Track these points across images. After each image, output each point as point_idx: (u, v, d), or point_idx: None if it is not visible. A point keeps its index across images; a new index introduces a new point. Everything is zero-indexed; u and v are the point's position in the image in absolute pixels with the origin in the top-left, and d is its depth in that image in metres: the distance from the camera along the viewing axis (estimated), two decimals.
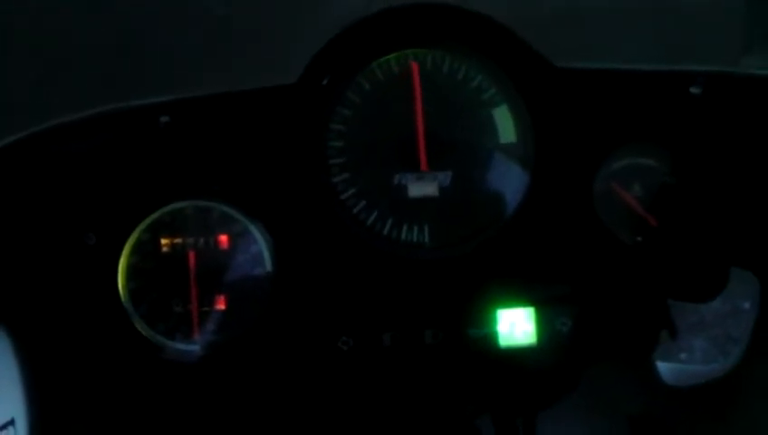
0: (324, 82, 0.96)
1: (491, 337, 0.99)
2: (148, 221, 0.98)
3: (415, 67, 0.96)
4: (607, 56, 1.02)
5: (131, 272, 0.98)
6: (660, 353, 1.15)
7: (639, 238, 1.00)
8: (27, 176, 0.97)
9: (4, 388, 0.96)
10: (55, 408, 1.00)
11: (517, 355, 1.00)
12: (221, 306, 0.99)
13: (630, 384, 1.30)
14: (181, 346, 0.99)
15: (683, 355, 2.47)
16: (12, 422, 0.94)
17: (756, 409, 1.13)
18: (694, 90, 0.96)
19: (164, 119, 0.96)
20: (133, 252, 0.98)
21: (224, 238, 0.99)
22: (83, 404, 1.04)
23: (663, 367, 1.27)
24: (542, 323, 1.00)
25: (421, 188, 0.98)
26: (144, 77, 0.99)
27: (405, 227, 0.99)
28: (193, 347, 0.99)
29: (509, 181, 0.99)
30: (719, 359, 2.48)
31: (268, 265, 0.99)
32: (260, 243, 0.99)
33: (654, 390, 1.25)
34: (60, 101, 0.97)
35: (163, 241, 0.98)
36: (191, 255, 0.98)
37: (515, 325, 1.00)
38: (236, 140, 0.98)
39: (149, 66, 0.99)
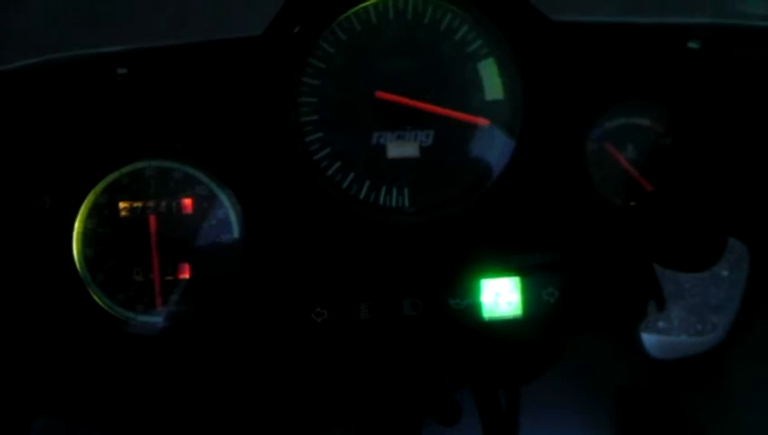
0: (296, 30, 0.89)
1: (474, 308, 0.95)
2: (104, 183, 0.92)
3: None
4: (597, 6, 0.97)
5: (88, 238, 0.93)
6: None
7: (633, 203, 0.97)
8: None
9: None
10: (9, 382, 0.97)
11: (502, 327, 0.96)
12: (185, 275, 0.94)
13: (615, 356, 1.29)
14: (142, 318, 0.94)
15: (660, 324, 2.50)
16: None
17: (743, 381, 1.12)
18: (692, 44, 0.93)
19: (121, 70, 0.90)
20: (89, 216, 0.93)
21: (187, 202, 0.94)
22: (40, 375, 1.00)
23: (649, 339, 1.27)
24: (529, 293, 0.96)
25: (401, 148, 0.94)
26: (99, 23, 0.92)
27: (383, 190, 0.94)
28: (155, 319, 0.94)
29: (495, 141, 0.94)
30: (697, 327, 2.52)
31: (236, 231, 0.94)
32: (227, 207, 0.94)
33: (639, 361, 1.24)
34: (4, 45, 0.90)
35: (121, 204, 0.93)
36: (152, 219, 0.93)
37: (500, 296, 0.95)
38: (201, 95, 0.92)
39: (105, 11, 0.93)
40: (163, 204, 0.93)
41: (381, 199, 0.94)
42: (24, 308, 0.95)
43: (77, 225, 0.92)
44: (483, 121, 0.93)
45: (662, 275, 1.03)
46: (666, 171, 0.96)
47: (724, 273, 2.42)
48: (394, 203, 0.94)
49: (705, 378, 1.17)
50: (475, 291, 0.95)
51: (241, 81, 0.90)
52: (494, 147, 0.94)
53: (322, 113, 0.92)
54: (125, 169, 0.92)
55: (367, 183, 0.94)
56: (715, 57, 0.93)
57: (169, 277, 0.94)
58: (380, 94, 0.91)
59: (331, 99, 0.92)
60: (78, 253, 0.92)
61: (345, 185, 0.94)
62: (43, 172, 0.91)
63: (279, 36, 0.89)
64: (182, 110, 0.92)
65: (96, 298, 0.93)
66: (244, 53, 0.90)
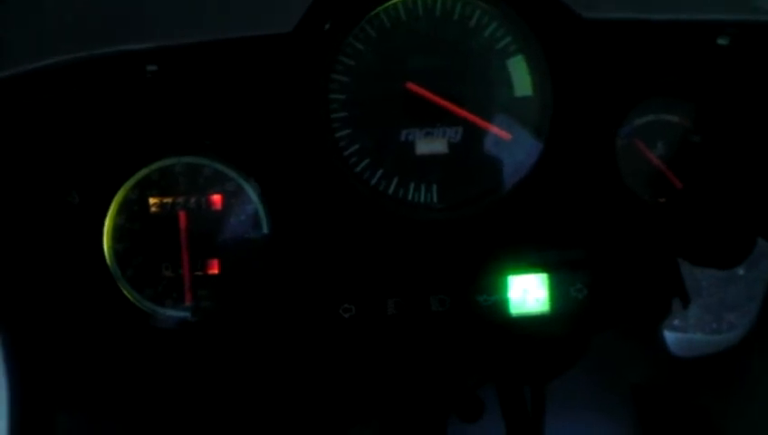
0: (326, 27, 0.90)
1: (501, 304, 0.95)
2: (135, 179, 0.93)
3: None
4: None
5: (118, 233, 0.94)
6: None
7: (662, 199, 0.97)
8: (2, 128, 0.91)
9: None
10: (39, 374, 0.97)
11: (529, 324, 0.96)
12: (214, 271, 0.95)
13: (636, 353, 1.30)
14: (171, 313, 0.95)
15: (676, 322, 2.50)
16: None
17: (763, 380, 1.11)
18: (721, 41, 0.92)
19: (151, 67, 0.90)
20: (119, 212, 0.94)
21: (217, 198, 0.94)
22: (68, 370, 1.01)
23: (671, 337, 1.26)
24: (557, 289, 0.96)
25: (429, 144, 0.94)
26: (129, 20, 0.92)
27: (412, 187, 0.95)
28: (183, 314, 0.95)
29: (524, 138, 0.94)
30: (713, 325, 2.52)
31: (264, 227, 0.94)
32: (256, 203, 0.94)
33: (660, 359, 1.24)
34: (31, 44, 0.90)
35: (151, 200, 0.94)
36: (182, 215, 0.94)
37: (528, 292, 0.96)
38: (230, 92, 0.92)
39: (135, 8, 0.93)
40: (192, 200, 0.94)
41: (410, 195, 0.95)
42: (55, 301, 0.96)
43: (107, 220, 0.93)
44: (505, 136, 0.94)
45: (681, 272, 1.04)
46: (695, 168, 0.97)
47: (741, 271, 2.41)
48: (422, 199, 0.95)
49: (725, 376, 1.17)
50: (502, 287, 0.95)
51: (270, 77, 0.91)
52: (523, 144, 0.94)
53: (352, 110, 0.93)
54: (155, 166, 0.93)
55: (396, 179, 0.94)
56: (744, 54, 0.92)
57: (198, 273, 0.94)
58: (411, 86, 0.92)
59: (361, 95, 0.93)
60: (108, 248, 0.93)
61: (374, 181, 0.94)
62: (73, 168, 0.92)
63: (309, 33, 0.89)
64: (212, 106, 0.92)
65: (125, 292, 0.94)
66: (273, 49, 0.90)
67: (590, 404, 1.29)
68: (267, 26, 0.90)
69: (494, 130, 0.94)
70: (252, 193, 0.94)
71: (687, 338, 1.32)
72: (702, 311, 2.48)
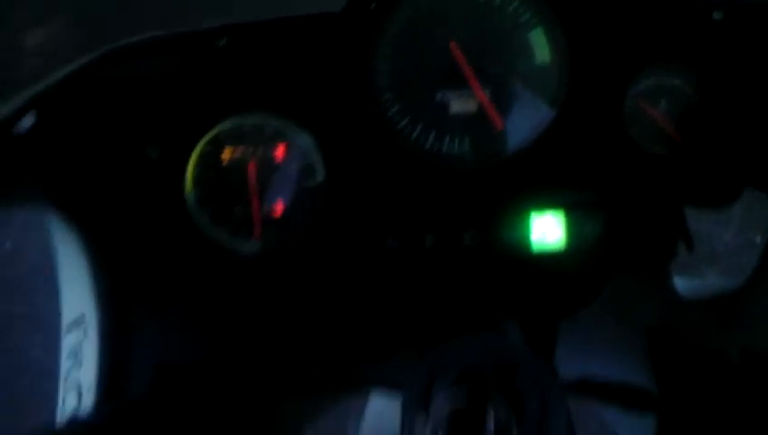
0: (372, 7, 1.02)
1: (524, 241, 1.06)
2: (211, 135, 1.05)
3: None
4: None
5: (196, 180, 1.06)
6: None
7: (664, 151, 1.06)
8: (98, 95, 1.04)
9: (75, 285, 1.02)
10: (123, 304, 1.06)
11: (547, 259, 1.06)
12: (278, 211, 1.06)
13: (648, 296, 1.36)
14: (244, 244, 1.07)
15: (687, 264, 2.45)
16: (83, 318, 1.01)
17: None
18: (716, 15, 1.01)
19: (221, 41, 1.02)
20: (197, 163, 1.06)
21: (280, 150, 1.06)
22: (150, 301, 1.10)
23: (680, 281, 1.33)
24: (572, 228, 1.05)
25: (462, 104, 1.04)
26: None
27: (446, 140, 1.05)
28: (254, 246, 1.07)
29: (543, 99, 1.04)
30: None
31: (320, 175, 1.05)
32: (313, 154, 1.05)
33: (671, 302, 1.29)
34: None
35: (225, 152, 1.06)
36: (251, 165, 1.05)
37: (547, 230, 1.05)
38: (289, 62, 1.03)
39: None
40: (259, 152, 1.05)
41: (444, 148, 1.05)
42: (138, 237, 1.07)
43: (189, 169, 1.05)
44: (499, 126, 1.04)
45: (696, 238, 1.12)
46: (692, 124, 1.05)
47: (758, 239, 2.42)
48: (456, 151, 1.05)
49: (737, 317, 1.21)
50: (525, 226, 1.05)
51: (324, 50, 1.02)
52: (542, 104, 1.04)
53: (393, 77, 1.04)
54: (228, 123, 1.05)
55: (432, 134, 1.05)
56: (737, 27, 1.01)
57: (265, 212, 1.06)
58: (453, 47, 1.02)
59: (401, 64, 1.04)
60: (189, 192, 1.06)
61: (414, 136, 1.04)
62: (158, 127, 1.05)
63: (356, 12, 1.01)
64: (274, 73, 1.04)
65: (204, 229, 1.06)
66: (326, 26, 1.02)
67: (604, 343, 1.35)
68: (320, 6, 1.03)
69: (493, 114, 1.04)
70: (310, 146, 1.05)
71: (695, 282, 1.36)
72: (719, 278, 2.48)
